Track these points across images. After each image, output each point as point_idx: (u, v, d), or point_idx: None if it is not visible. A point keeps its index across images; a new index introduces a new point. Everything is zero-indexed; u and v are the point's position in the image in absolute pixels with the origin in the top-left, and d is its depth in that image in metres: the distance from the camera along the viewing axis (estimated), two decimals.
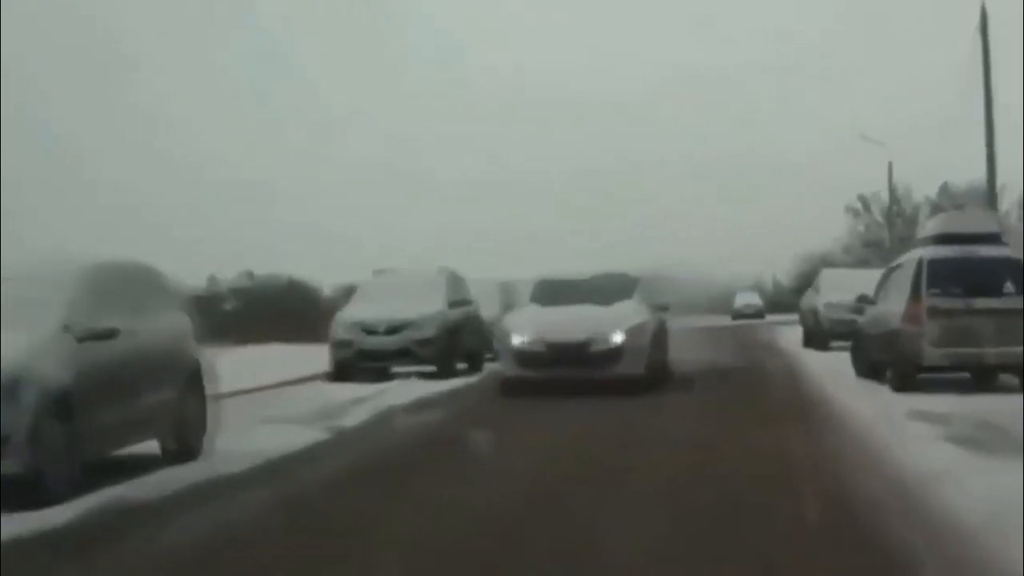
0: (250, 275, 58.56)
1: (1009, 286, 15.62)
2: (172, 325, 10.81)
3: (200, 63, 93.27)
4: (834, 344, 25.91)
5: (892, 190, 60.92)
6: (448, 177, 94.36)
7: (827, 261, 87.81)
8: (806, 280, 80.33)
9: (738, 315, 70.00)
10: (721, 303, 74.20)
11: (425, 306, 20.05)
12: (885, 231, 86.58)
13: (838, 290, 26.68)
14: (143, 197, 74.88)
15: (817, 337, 26.61)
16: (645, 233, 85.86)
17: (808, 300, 29.42)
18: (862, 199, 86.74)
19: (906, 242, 69.99)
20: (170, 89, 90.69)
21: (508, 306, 22.23)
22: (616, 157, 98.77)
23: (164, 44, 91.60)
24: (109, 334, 9.15)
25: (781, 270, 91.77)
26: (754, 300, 73.37)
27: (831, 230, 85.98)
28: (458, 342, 20.80)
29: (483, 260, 63.31)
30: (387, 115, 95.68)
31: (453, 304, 20.75)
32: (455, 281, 21.92)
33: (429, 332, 19.81)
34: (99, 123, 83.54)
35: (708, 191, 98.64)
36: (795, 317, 60.00)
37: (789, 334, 38.40)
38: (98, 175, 74.90)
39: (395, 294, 20.54)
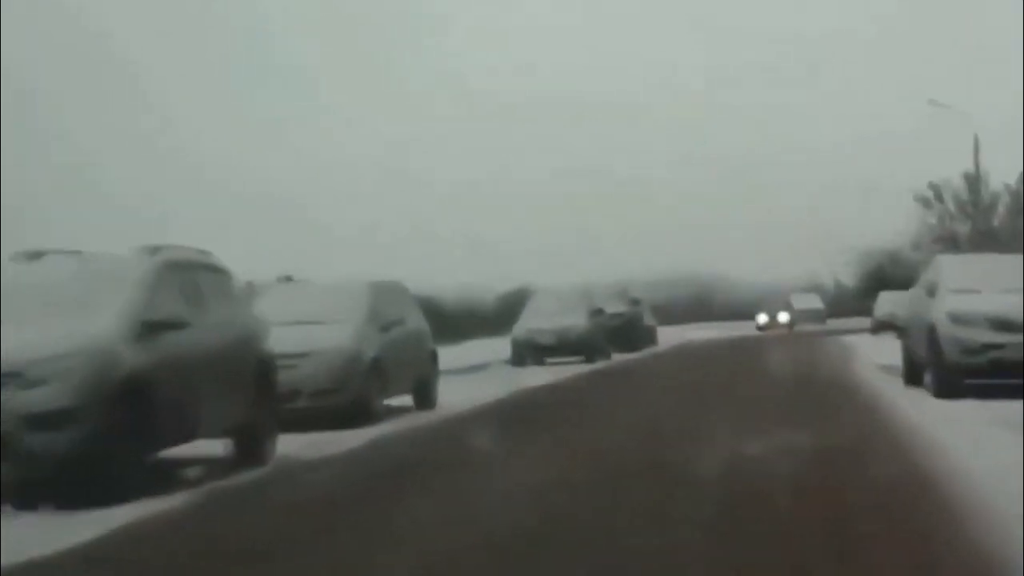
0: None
1: None
2: None
3: (199, 61, 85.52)
4: (957, 381, 14.11)
5: (977, 168, 47.95)
6: (449, 178, 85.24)
7: (894, 258, 75.72)
8: (874, 280, 68.58)
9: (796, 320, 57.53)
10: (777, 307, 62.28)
11: None
12: (960, 223, 74.43)
13: (974, 291, 14.73)
14: (143, 198, 67.65)
15: (936, 372, 14.56)
16: (691, 234, 77.08)
17: (912, 306, 16.99)
18: (933, 187, 73.98)
19: (986, 236, 57.46)
20: (172, 89, 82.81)
21: None
22: (653, 158, 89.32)
23: (165, 44, 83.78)
24: None
25: (843, 269, 78.96)
26: (814, 303, 60.64)
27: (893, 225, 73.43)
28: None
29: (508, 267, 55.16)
30: (388, 116, 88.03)
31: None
32: None
33: None
34: (100, 123, 75.62)
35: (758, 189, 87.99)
36: (861, 322, 48.54)
37: (866, 352, 26.48)
38: (99, 175, 67.40)
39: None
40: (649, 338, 35.00)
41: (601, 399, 17.26)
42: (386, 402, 14.92)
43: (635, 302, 33.39)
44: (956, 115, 42.20)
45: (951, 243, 74.82)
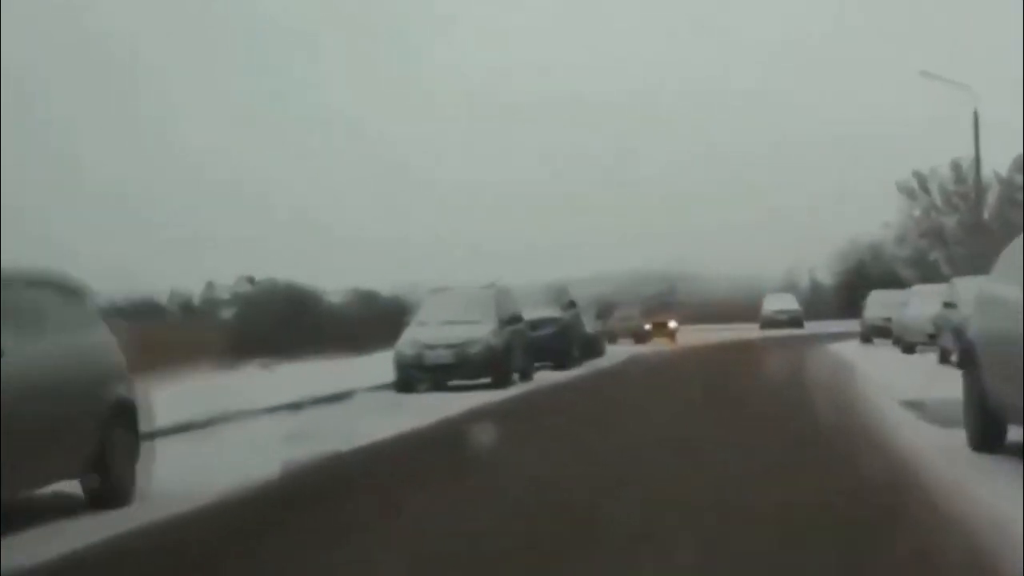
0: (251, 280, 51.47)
1: None
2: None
3: (198, 60, 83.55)
4: None
5: (977, 147, 40.51)
6: (452, 178, 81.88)
7: (876, 253, 68.99)
8: (854, 277, 61.47)
9: (769, 323, 50.68)
10: (748, 307, 55.90)
11: None
12: (946, 216, 67.93)
13: None
14: (143, 198, 67.21)
15: None
16: (665, 230, 73.08)
17: (985, 314, 9.69)
18: (918, 176, 67.57)
19: (976, 229, 50.38)
20: (172, 88, 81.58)
21: None
22: (634, 154, 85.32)
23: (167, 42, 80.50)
24: None
25: (820, 266, 72.47)
26: (789, 304, 53.70)
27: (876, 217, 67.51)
28: None
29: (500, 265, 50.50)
30: (387, 115, 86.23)
31: None
32: None
33: None
34: (101, 122, 73.27)
35: (732, 184, 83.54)
36: (845, 326, 41.39)
37: (870, 372, 19.60)
38: (100, 175, 65.77)
39: None
40: (591, 350, 27.75)
41: (467, 482, 9.90)
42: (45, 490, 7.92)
43: (571, 305, 26.16)
44: (952, 92, 35.89)
45: (938, 237, 68.42)
